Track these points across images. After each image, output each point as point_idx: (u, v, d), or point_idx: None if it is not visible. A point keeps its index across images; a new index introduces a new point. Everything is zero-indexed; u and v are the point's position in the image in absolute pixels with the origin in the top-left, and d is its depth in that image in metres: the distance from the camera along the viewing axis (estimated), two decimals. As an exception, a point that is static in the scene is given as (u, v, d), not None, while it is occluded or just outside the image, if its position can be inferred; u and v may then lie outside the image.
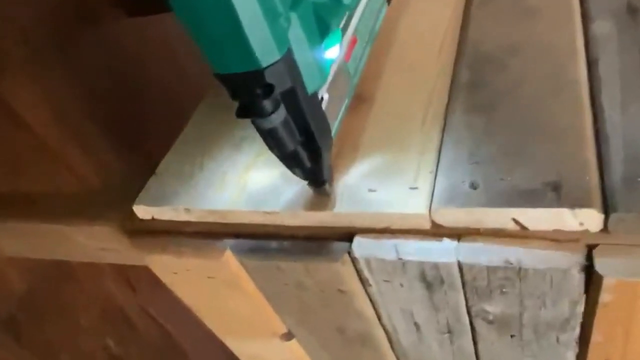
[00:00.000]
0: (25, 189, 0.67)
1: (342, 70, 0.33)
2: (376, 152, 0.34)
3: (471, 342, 0.35)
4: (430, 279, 0.30)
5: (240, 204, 0.34)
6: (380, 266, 0.30)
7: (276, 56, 0.23)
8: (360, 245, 0.31)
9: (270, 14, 0.22)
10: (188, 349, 1.05)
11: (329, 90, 0.30)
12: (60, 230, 0.43)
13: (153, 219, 0.37)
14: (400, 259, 0.29)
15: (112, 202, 0.43)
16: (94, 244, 0.43)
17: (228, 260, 0.35)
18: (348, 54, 0.33)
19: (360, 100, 0.38)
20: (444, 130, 0.33)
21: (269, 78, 0.23)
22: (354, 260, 0.31)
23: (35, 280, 0.76)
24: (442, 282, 0.30)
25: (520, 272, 0.27)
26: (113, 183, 0.54)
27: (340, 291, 0.34)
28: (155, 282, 0.43)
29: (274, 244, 0.33)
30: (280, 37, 0.23)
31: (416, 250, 0.29)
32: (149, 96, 0.80)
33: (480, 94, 0.34)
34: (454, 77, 0.37)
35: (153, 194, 0.37)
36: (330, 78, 0.30)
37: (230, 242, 0.35)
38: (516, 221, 0.27)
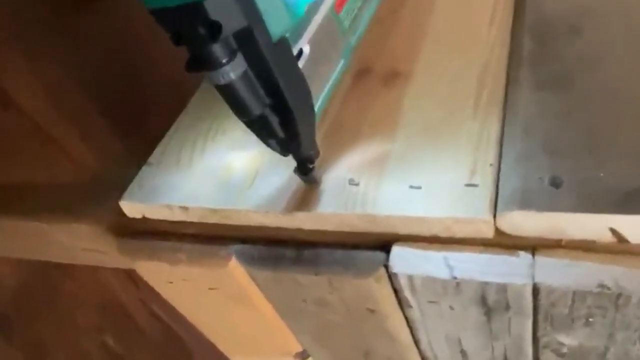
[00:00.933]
0: (9, 178, 0.62)
1: (331, 21, 0.27)
2: (417, 138, 0.27)
3: (531, 375, 0.29)
4: (492, 303, 0.23)
5: (250, 201, 0.28)
6: (427, 285, 0.24)
7: None
8: (401, 258, 0.24)
9: None
10: (193, 348, 1.00)
11: (312, 44, 0.24)
12: (39, 228, 0.37)
13: (144, 218, 0.31)
14: (454, 277, 0.23)
15: (103, 196, 0.36)
16: (79, 244, 0.37)
17: (233, 269, 0.29)
18: (339, 4, 0.27)
19: (393, 75, 0.31)
20: (504, 112, 0.27)
21: (214, 13, 0.18)
22: (391, 276, 0.25)
23: (27, 275, 0.72)
24: (507, 307, 0.23)
25: (619, 299, 0.21)
26: (107, 173, 0.48)
27: (370, 310, 0.27)
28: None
29: (290, 252, 0.27)
30: None
31: (476, 265, 0.23)
32: (150, 77, 0.73)
33: (551, 66, 0.27)
34: (513, 47, 0.30)
35: (144, 188, 0.31)
36: (312, 27, 0.24)
37: (236, 248, 0.28)
38: (614, 231, 0.21)
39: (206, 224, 0.29)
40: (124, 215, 0.32)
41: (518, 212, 0.22)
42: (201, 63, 0.19)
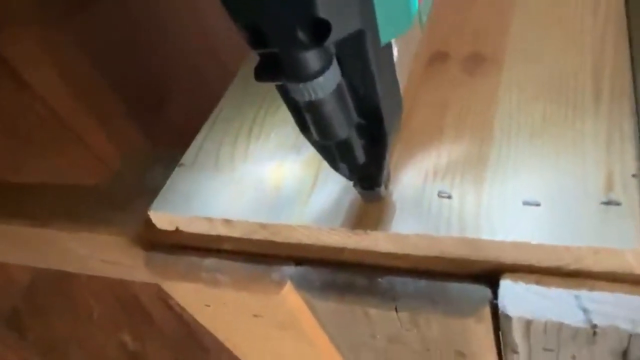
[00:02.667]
0: (24, 177, 0.57)
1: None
2: (522, 140, 0.22)
3: None
4: (636, 357, 0.18)
5: (308, 215, 0.22)
6: (550, 331, 0.18)
7: None
8: (514, 295, 0.19)
9: None
10: (209, 343, 0.97)
11: (398, 43, 0.19)
12: (52, 236, 0.32)
13: (178, 231, 0.26)
14: (594, 325, 0.17)
15: (126, 199, 0.32)
16: (98, 255, 0.32)
17: (287, 296, 0.23)
18: None
19: (478, 60, 0.26)
20: (637, 105, 0.21)
21: (324, 9, 0.12)
22: (499, 316, 0.19)
23: (40, 270, 0.67)
24: (656, 362, 0.18)
25: None
26: (128, 170, 0.43)
27: (459, 353, 0.22)
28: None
29: (361, 279, 0.22)
30: None
31: (621, 310, 0.17)
32: (169, 64, 0.68)
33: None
34: (633, 32, 0.24)
35: (177, 195, 0.25)
36: None
37: (292, 271, 0.23)
38: None
39: (252, 240, 0.24)
40: (152, 226, 0.27)
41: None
42: (282, 71, 0.14)
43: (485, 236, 0.19)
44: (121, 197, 0.32)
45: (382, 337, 0.23)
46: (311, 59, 0.14)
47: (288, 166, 0.25)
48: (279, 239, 0.23)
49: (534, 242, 0.18)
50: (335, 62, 0.15)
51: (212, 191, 0.25)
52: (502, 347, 0.21)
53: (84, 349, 0.76)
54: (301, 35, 0.13)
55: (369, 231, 0.21)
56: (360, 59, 0.15)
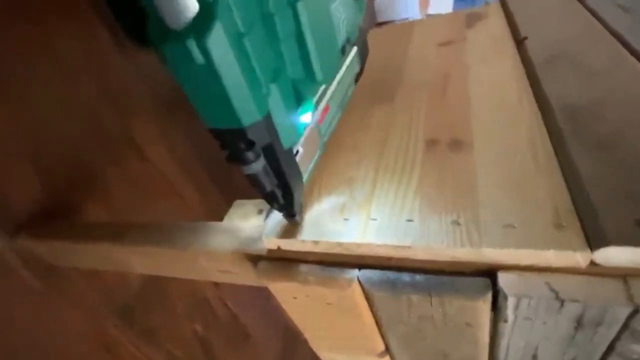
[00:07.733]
0: (139, 218, 0.57)
1: (315, 130, 0.27)
2: (497, 190, 0.23)
3: (586, 373, 0.24)
4: (587, 320, 0.19)
5: (367, 236, 0.23)
6: (532, 306, 0.19)
7: (257, 117, 0.19)
8: (509, 284, 0.20)
9: (253, 84, 0.18)
10: (253, 333, 0.92)
11: (303, 145, 0.25)
12: (184, 254, 0.32)
13: (278, 249, 0.26)
14: (562, 300, 0.18)
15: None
16: (217, 266, 0.32)
17: (354, 290, 0.24)
18: (321, 118, 0.28)
19: (458, 144, 0.28)
20: (562, 169, 0.23)
21: (251, 135, 0.19)
22: (497, 297, 0.20)
23: (148, 277, 0.65)
24: (599, 324, 0.19)
25: None
26: (211, 217, 0.43)
27: (468, 324, 0.23)
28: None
29: (406, 277, 0.22)
30: (261, 103, 0.19)
31: (578, 290, 0.18)
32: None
33: (590, 136, 0.24)
34: (549, 124, 0.27)
35: (278, 226, 0.26)
36: (304, 135, 0.25)
37: (357, 273, 0.24)
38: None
39: (329, 253, 0.25)
40: (255, 245, 0.27)
41: (616, 248, 0.17)
42: (236, 160, 0.20)
43: (485, 247, 0.20)
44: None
45: (414, 315, 0.24)
46: (249, 155, 0.19)
47: (347, 206, 0.26)
48: (348, 252, 0.24)
49: (519, 249, 0.19)
50: (262, 156, 0.20)
51: (302, 223, 0.26)
52: (494, 318, 0.22)
53: (171, 335, 0.72)
54: (240, 145, 0.19)
55: (406, 245, 0.22)
56: (272, 155, 0.21)
